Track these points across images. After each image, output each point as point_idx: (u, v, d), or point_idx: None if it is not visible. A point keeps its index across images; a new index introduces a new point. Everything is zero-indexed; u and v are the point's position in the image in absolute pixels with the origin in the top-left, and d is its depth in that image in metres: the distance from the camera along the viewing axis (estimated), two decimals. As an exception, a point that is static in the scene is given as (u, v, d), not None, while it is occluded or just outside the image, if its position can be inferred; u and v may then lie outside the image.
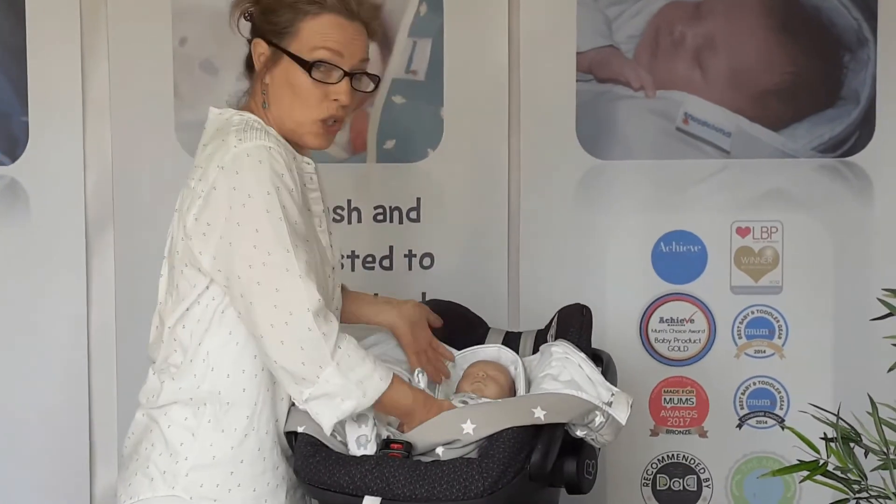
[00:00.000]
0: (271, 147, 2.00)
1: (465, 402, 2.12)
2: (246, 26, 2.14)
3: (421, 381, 2.11)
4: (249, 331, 2.01)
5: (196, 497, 2.02)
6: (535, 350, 2.33)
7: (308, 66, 2.06)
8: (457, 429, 1.98)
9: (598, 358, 2.25)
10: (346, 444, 2.04)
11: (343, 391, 1.96)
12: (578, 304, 2.32)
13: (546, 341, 2.31)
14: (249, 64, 2.15)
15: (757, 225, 3.03)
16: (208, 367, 2.05)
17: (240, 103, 2.17)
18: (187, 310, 2.05)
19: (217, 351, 2.04)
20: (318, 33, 2.07)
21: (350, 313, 2.29)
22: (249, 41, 2.13)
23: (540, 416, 1.98)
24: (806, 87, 3.00)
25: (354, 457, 2.00)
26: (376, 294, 2.47)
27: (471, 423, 1.98)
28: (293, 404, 2.07)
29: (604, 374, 2.18)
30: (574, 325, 2.26)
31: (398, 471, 1.94)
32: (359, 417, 2.02)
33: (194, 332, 2.05)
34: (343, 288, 2.30)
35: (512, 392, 2.22)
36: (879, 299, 2.16)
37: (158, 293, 2.14)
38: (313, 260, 2.04)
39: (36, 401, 2.99)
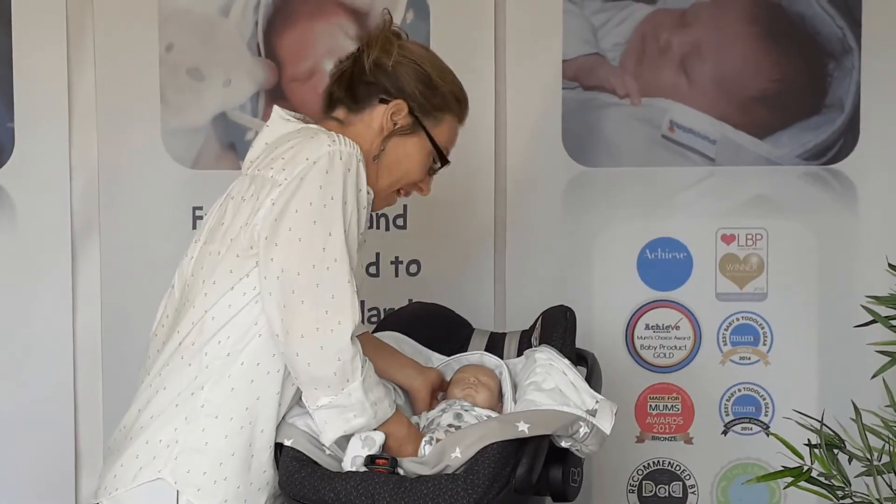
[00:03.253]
0: (361, 160, 2.04)
1: (459, 415, 2.12)
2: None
3: (426, 452, 2.06)
4: (281, 326, 1.97)
5: (181, 483, 1.99)
6: (521, 352, 2.32)
7: (446, 162, 2.19)
8: (446, 457, 1.99)
9: (582, 358, 2.25)
10: (335, 458, 2.03)
11: (359, 408, 1.98)
12: (562, 305, 2.33)
13: (530, 344, 2.31)
14: (352, 95, 2.16)
15: (742, 232, 3.04)
16: (224, 350, 2.02)
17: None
18: (223, 294, 2.03)
19: (239, 338, 2.02)
20: (451, 132, 2.21)
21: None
22: (370, 82, 2.14)
23: (524, 429, 1.98)
24: (791, 95, 3.01)
25: (339, 472, 1.99)
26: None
27: (458, 451, 1.98)
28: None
29: (589, 376, 2.18)
30: (558, 327, 2.26)
31: (383, 487, 1.93)
32: (366, 439, 2.01)
33: (221, 316, 2.03)
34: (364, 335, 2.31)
35: (500, 397, 2.22)
36: (863, 306, 2.16)
37: (182, 272, 2.13)
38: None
39: (21, 406, 2.99)
